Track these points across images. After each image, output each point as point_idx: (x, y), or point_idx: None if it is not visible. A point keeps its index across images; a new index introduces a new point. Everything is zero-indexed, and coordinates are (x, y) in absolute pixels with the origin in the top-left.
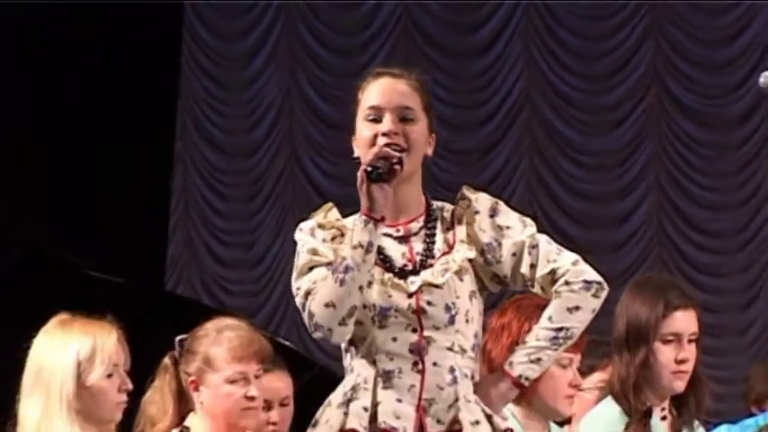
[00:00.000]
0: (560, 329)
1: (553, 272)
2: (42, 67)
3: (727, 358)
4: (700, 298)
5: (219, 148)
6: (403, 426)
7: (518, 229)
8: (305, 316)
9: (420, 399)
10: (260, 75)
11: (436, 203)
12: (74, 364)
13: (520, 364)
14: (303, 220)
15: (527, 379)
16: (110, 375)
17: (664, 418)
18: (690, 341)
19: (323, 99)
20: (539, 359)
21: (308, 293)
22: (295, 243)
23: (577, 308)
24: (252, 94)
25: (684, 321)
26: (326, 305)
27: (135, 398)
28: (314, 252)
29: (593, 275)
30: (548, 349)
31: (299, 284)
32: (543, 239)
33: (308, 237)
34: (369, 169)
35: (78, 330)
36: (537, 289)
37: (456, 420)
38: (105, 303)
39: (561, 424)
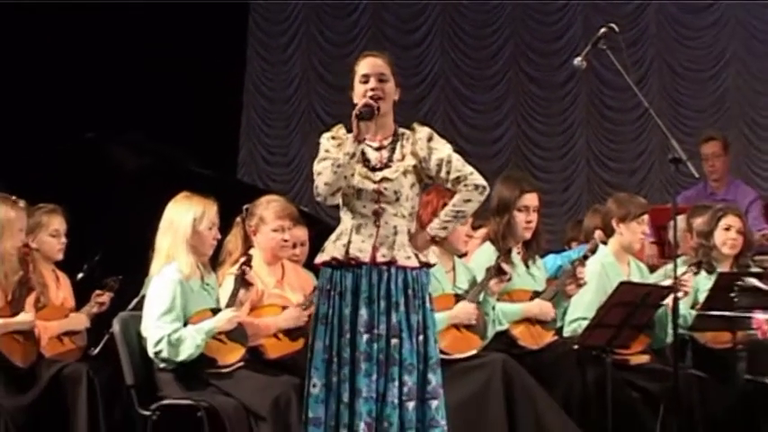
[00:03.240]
0: (459, 212)
1: (458, 178)
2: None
3: (554, 220)
4: (538, 185)
5: (268, 99)
6: (364, 256)
7: (442, 150)
8: (314, 186)
9: (375, 241)
10: (291, 57)
11: (401, 129)
12: (191, 219)
13: (434, 229)
14: (319, 136)
15: (439, 237)
16: (210, 228)
17: (518, 253)
18: (534, 211)
19: (327, 71)
20: (445, 227)
21: (318, 174)
22: (310, 151)
23: (469, 200)
24: (287, 68)
25: (531, 199)
26: (326, 183)
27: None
28: (326, 150)
29: (481, 182)
30: (450, 222)
31: (315, 168)
32: (455, 158)
33: (325, 141)
34: (358, 113)
35: (194, 201)
36: (449, 186)
37: (393, 256)
38: (207, 187)
39: (461, 257)
